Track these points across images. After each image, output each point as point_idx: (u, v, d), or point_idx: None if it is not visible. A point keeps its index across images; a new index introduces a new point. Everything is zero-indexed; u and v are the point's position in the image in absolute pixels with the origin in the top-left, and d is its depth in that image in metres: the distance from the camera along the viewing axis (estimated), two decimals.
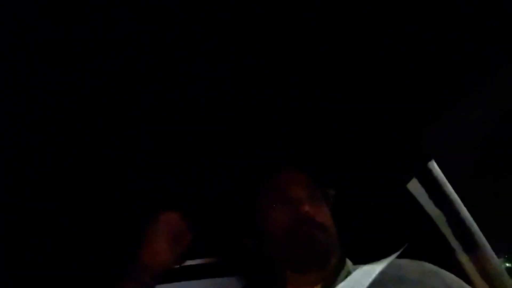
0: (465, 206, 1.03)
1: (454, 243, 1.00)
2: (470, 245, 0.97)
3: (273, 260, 0.79)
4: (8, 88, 0.71)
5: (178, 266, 0.82)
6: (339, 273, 0.75)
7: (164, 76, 0.75)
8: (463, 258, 0.97)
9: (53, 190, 0.97)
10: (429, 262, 0.76)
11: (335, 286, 0.70)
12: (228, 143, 0.94)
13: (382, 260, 0.73)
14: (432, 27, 0.74)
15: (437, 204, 1.05)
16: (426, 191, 1.08)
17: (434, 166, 1.08)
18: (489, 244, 0.94)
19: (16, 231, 1.01)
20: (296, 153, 1.01)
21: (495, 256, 0.93)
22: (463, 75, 0.88)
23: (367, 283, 0.65)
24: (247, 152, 0.97)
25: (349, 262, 0.80)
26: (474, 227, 0.98)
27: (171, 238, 0.76)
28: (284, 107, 0.87)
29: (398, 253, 0.74)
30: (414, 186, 1.11)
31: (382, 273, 0.68)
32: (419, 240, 1.07)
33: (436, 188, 1.06)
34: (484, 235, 0.97)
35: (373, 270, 0.69)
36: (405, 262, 0.76)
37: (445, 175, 1.08)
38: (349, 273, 0.73)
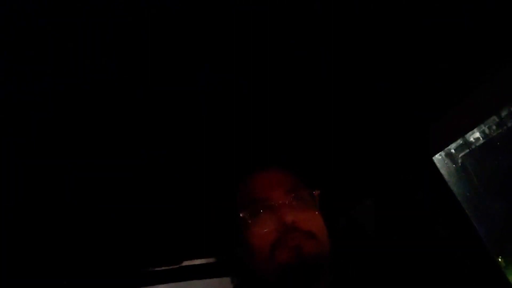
0: (464, 205, 1.03)
1: (452, 241, 1.00)
2: (468, 244, 0.97)
3: (261, 275, 0.71)
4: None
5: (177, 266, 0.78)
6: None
7: (157, 77, 0.75)
8: (461, 257, 0.97)
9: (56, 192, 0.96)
10: (426, 261, 0.76)
11: None
12: (212, 142, 0.91)
13: None
14: (436, 29, 0.74)
15: (436, 202, 1.05)
16: (425, 188, 1.08)
17: (434, 163, 1.08)
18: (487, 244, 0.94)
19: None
20: (282, 151, 0.95)
21: (493, 255, 0.93)
22: (464, 76, 0.88)
23: None
24: (228, 151, 0.94)
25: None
26: (473, 226, 0.98)
27: None
28: (278, 104, 0.86)
29: None
30: (414, 184, 1.11)
31: None
32: (417, 237, 1.07)
33: (436, 186, 1.06)
34: (481, 235, 0.97)
35: None
36: None
37: (445, 174, 1.08)
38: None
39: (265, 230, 0.68)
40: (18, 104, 0.75)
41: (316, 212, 0.73)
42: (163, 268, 1.22)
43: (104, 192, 0.99)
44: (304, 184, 0.77)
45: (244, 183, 0.77)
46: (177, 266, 1.23)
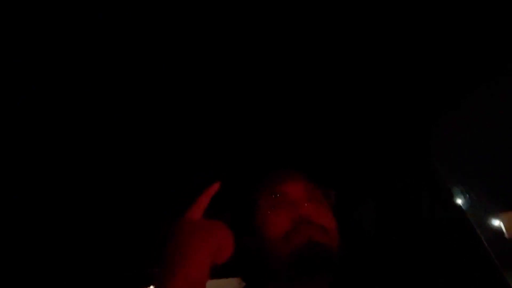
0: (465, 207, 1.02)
1: (454, 245, 0.99)
2: (470, 248, 0.96)
3: (271, 264, 0.78)
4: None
5: None
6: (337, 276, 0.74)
7: (163, 76, 0.75)
8: (462, 261, 0.97)
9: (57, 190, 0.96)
10: (428, 263, 0.75)
11: None
12: (226, 144, 0.94)
13: None
14: (437, 30, 0.74)
15: (436, 203, 1.05)
16: (427, 190, 1.08)
17: (435, 165, 1.08)
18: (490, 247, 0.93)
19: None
20: (296, 153, 1.00)
21: (496, 260, 0.92)
22: (465, 77, 0.88)
23: None
24: (245, 153, 0.97)
25: None
26: (475, 231, 0.98)
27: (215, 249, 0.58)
28: (287, 106, 0.87)
29: None
30: (414, 185, 1.10)
31: None
32: (417, 241, 1.07)
33: (435, 187, 1.06)
34: (484, 238, 0.96)
35: None
36: None
37: (446, 175, 1.08)
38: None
39: (282, 219, 0.73)
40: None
41: (330, 212, 0.78)
42: None
43: (106, 192, 0.99)
44: (320, 184, 0.82)
45: (266, 180, 0.82)
46: None
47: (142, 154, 0.92)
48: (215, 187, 0.67)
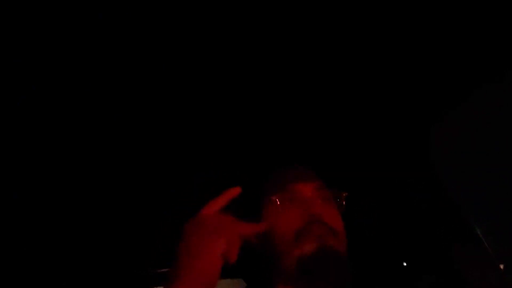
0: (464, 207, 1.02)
1: (454, 246, 0.99)
2: (471, 249, 0.96)
3: (279, 263, 0.72)
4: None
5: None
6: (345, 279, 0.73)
7: (168, 76, 0.75)
8: (463, 262, 0.97)
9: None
10: (429, 265, 0.75)
11: None
12: (236, 141, 0.94)
13: None
14: (439, 30, 0.73)
15: (437, 204, 1.05)
16: (425, 191, 1.08)
17: (434, 166, 1.08)
18: (491, 249, 0.93)
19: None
20: (306, 153, 0.99)
21: (496, 261, 0.92)
22: (467, 77, 0.88)
23: None
24: (254, 150, 0.97)
25: None
26: (476, 232, 0.97)
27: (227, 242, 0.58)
28: (295, 106, 0.87)
29: None
30: (414, 186, 1.10)
31: None
32: (418, 241, 1.07)
33: (435, 188, 1.06)
34: (485, 240, 0.96)
35: None
36: None
37: (447, 176, 1.08)
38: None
39: (292, 217, 0.71)
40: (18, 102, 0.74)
41: (338, 213, 0.76)
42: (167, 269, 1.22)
43: (108, 193, 0.99)
44: (331, 184, 0.81)
45: (276, 177, 0.80)
46: None
47: (150, 151, 0.92)
48: (236, 190, 0.64)
